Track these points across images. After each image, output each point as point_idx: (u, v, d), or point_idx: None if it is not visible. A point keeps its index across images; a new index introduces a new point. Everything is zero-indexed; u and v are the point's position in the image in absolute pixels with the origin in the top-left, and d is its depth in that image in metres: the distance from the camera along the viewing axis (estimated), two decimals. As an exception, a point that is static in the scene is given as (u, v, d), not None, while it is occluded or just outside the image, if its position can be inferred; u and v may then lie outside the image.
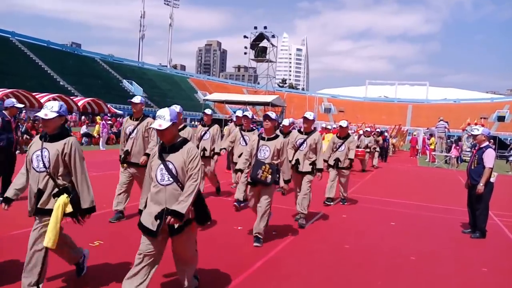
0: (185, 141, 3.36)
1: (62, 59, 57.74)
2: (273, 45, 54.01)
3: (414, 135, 29.94)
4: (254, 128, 8.66)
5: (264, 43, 53.29)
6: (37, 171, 3.35)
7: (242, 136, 8.07)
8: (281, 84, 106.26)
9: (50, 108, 3.37)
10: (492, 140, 22.84)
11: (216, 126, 7.95)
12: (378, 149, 17.44)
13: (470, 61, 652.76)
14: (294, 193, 6.88)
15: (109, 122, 23.13)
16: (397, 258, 5.17)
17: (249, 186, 5.36)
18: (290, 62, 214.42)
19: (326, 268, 4.64)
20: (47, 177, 3.34)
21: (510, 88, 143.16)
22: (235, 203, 5.75)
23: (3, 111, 6.82)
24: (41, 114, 3.35)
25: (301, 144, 6.41)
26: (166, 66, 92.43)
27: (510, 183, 14.88)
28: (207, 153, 7.70)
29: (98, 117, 24.43)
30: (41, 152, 3.34)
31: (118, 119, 31.48)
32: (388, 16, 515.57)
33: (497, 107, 75.23)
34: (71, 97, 40.11)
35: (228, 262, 4.49)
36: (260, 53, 53.48)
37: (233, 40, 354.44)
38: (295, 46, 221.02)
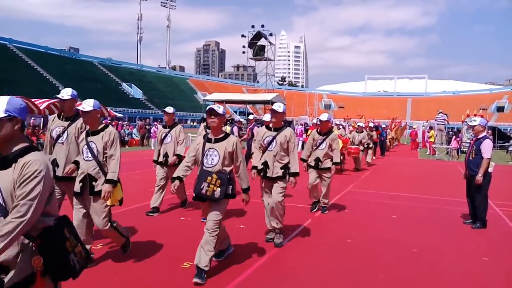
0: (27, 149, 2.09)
1: (61, 64, 57.85)
2: (271, 43, 53.94)
3: (414, 128, 29.99)
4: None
5: (262, 41, 53.22)
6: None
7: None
8: (280, 82, 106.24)
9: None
10: (490, 131, 22.88)
11: (178, 127, 6.82)
12: (371, 145, 16.05)
13: (468, 52, 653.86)
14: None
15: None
16: (399, 250, 5.23)
17: None
18: (289, 60, 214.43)
19: (328, 263, 4.69)
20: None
21: (509, 79, 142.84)
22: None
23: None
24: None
25: (270, 143, 5.17)
26: (165, 67, 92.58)
27: (510, 173, 14.93)
28: (170, 159, 6.60)
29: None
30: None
31: (119, 122, 31.51)
32: (385, 10, 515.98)
33: (496, 98, 75.31)
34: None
35: (230, 260, 4.53)
36: (259, 52, 53.37)
37: (231, 39, 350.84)
38: (293, 43, 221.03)
